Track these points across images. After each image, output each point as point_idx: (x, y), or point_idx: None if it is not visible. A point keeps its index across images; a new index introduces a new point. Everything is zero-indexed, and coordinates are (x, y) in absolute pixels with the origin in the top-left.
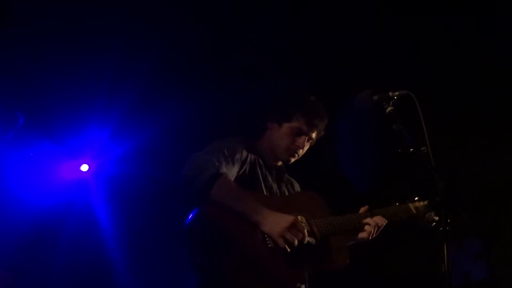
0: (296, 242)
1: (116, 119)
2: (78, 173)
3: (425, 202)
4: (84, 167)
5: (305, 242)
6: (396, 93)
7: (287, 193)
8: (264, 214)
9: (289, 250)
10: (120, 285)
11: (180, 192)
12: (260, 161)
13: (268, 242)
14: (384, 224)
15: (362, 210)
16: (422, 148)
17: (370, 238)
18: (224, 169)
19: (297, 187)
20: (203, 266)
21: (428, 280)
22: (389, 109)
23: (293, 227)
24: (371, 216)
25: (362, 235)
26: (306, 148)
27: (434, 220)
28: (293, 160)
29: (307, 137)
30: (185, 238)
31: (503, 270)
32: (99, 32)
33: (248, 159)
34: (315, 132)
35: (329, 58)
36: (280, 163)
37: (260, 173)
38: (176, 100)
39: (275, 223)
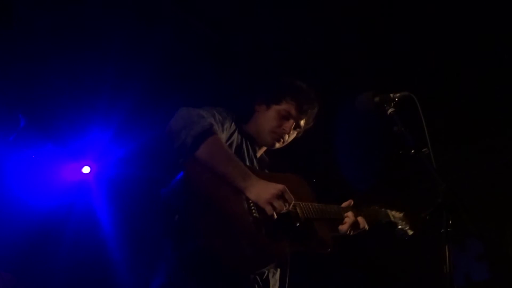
0: (284, 209)
1: (117, 121)
2: (79, 175)
3: (401, 214)
4: (86, 169)
5: (290, 213)
6: (397, 94)
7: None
8: (253, 180)
9: (275, 217)
10: (122, 286)
11: (161, 152)
12: (248, 144)
13: (253, 211)
14: (366, 227)
15: (345, 204)
16: (423, 150)
17: (349, 233)
18: (216, 128)
19: None
20: (182, 224)
21: (430, 281)
22: (390, 110)
23: (282, 195)
24: (354, 212)
25: (342, 227)
26: (292, 135)
27: (408, 234)
28: (277, 145)
29: (294, 123)
30: (165, 202)
31: (505, 271)
32: (100, 34)
33: (236, 135)
34: (304, 119)
35: (328, 58)
36: (262, 151)
37: (246, 153)
38: (178, 102)
39: (263, 189)
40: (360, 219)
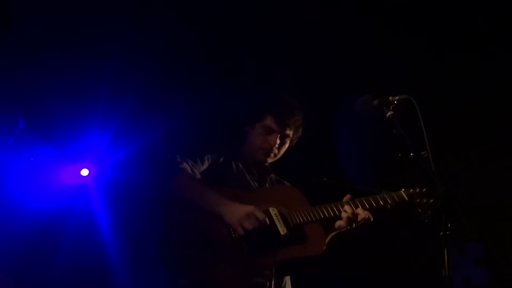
0: (252, 229)
1: (116, 123)
2: (78, 177)
3: (423, 190)
4: (85, 172)
5: (267, 229)
6: (396, 97)
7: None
8: (225, 205)
9: (242, 233)
10: None
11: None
12: (239, 163)
13: (232, 233)
14: (367, 217)
15: (345, 199)
16: (422, 153)
17: (349, 227)
18: (185, 165)
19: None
20: (173, 261)
21: (429, 285)
22: (389, 113)
23: (250, 215)
24: (351, 205)
25: (340, 223)
26: (283, 147)
27: (432, 207)
28: (269, 159)
29: (279, 135)
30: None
31: (504, 274)
32: (99, 37)
33: (222, 158)
34: (288, 129)
35: (327, 60)
36: (266, 164)
37: (235, 172)
38: (177, 105)
39: (233, 213)
40: (359, 210)
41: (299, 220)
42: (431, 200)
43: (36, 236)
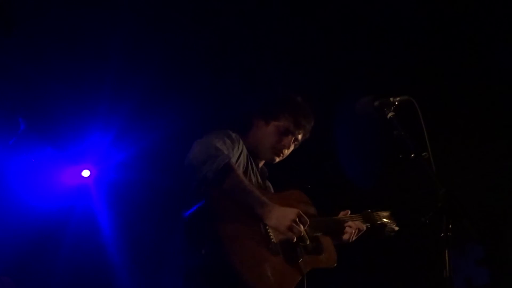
0: (303, 232)
1: (117, 124)
2: (79, 178)
3: (387, 213)
4: (86, 173)
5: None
6: (397, 98)
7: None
8: (269, 208)
9: (295, 240)
10: None
11: (181, 180)
12: (251, 159)
13: (271, 237)
14: (364, 229)
15: (342, 213)
16: (423, 154)
17: (350, 240)
18: (232, 159)
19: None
20: (210, 255)
21: (430, 286)
22: (390, 114)
23: (299, 218)
24: (353, 220)
25: (345, 237)
26: (291, 149)
27: (394, 230)
28: (277, 159)
29: (293, 138)
30: (189, 227)
31: (505, 275)
32: (100, 38)
33: (243, 155)
34: (301, 133)
35: (329, 61)
36: (261, 164)
37: (251, 170)
38: (178, 106)
39: (282, 216)
40: (358, 223)
41: (317, 231)
42: (394, 224)
43: (37, 237)
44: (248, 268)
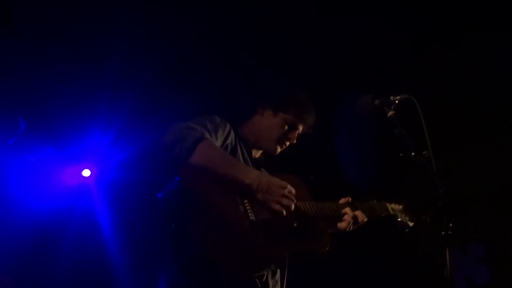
0: (292, 207)
1: (118, 124)
2: (80, 178)
3: (400, 207)
4: (86, 172)
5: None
6: (398, 97)
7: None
8: (258, 176)
9: (284, 214)
10: None
11: (157, 162)
12: (242, 145)
13: (249, 213)
14: (364, 220)
15: (343, 200)
16: (423, 153)
17: (348, 229)
18: (207, 135)
19: None
20: (179, 232)
21: (430, 285)
22: (390, 113)
23: (288, 191)
24: (352, 208)
25: (341, 225)
26: (293, 142)
27: (408, 225)
28: (279, 151)
29: (296, 132)
30: (161, 207)
31: (505, 274)
32: (100, 38)
33: (230, 139)
34: (304, 128)
35: (330, 60)
36: (258, 155)
37: (241, 155)
38: (178, 106)
39: (270, 186)
40: (358, 213)
41: (308, 214)
42: (408, 218)
43: (38, 237)
44: (222, 250)
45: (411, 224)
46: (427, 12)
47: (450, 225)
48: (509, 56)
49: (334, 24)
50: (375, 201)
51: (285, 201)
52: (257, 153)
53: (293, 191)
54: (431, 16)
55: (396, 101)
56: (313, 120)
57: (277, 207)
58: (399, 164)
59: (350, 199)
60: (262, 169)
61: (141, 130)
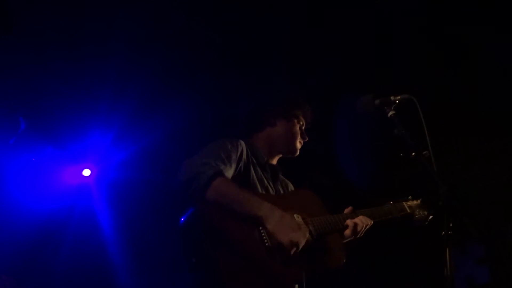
0: (302, 244)
1: (118, 123)
2: (80, 177)
3: (418, 201)
4: (86, 172)
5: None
6: (398, 97)
7: (282, 192)
8: (267, 210)
9: (292, 252)
10: None
11: (175, 198)
12: (254, 160)
13: (265, 240)
14: (369, 223)
15: (346, 210)
16: (424, 152)
17: (354, 237)
18: (222, 167)
19: (291, 187)
20: (199, 265)
21: (431, 284)
22: (390, 113)
23: (301, 228)
24: (354, 216)
25: (347, 233)
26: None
27: (427, 219)
28: (298, 151)
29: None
30: (180, 238)
31: (506, 274)
32: (101, 37)
33: (243, 159)
34: (305, 125)
35: (329, 60)
36: (275, 161)
37: (255, 174)
38: (178, 105)
39: (281, 223)
40: (357, 220)
41: (321, 230)
42: (426, 212)
43: (38, 236)
44: (240, 278)
45: (430, 217)
46: (427, 12)
47: (450, 225)
48: (509, 54)
49: (334, 24)
50: (391, 203)
51: (294, 237)
52: (274, 160)
53: (304, 228)
54: (431, 16)
55: (397, 101)
56: (312, 116)
57: (285, 240)
58: (399, 164)
59: (352, 208)
60: (280, 175)
61: (141, 129)
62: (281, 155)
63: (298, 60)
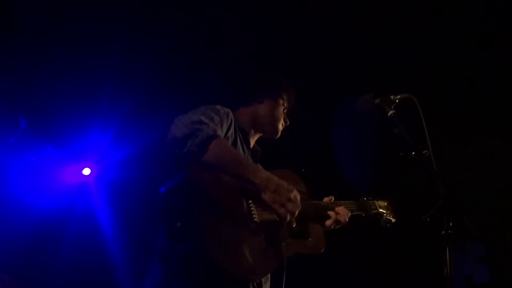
0: (296, 213)
1: (118, 123)
2: (80, 177)
3: (385, 203)
4: (86, 171)
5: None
6: (398, 96)
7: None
8: (264, 176)
9: (288, 219)
10: None
11: (161, 156)
12: (240, 135)
13: (253, 215)
14: (348, 215)
15: (326, 199)
16: (424, 152)
17: (332, 227)
18: (219, 131)
19: None
20: (184, 230)
21: (430, 284)
22: (390, 112)
23: (295, 197)
24: (334, 206)
25: (327, 223)
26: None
27: (392, 222)
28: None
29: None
30: (164, 200)
31: (505, 274)
32: (100, 37)
33: (232, 129)
34: (287, 108)
35: (329, 59)
36: (253, 143)
37: (241, 146)
38: (178, 105)
39: (280, 189)
40: (339, 210)
41: (306, 214)
42: (392, 214)
43: (38, 235)
44: (224, 248)
45: (393, 220)
46: (427, 11)
47: (450, 224)
48: (509, 54)
49: (333, 24)
50: (365, 199)
51: (290, 206)
52: (252, 141)
53: (298, 196)
54: (431, 15)
55: (396, 100)
56: (294, 101)
57: (282, 210)
58: (400, 164)
59: (333, 198)
60: (258, 164)
61: (140, 129)
62: (261, 135)
63: (297, 59)
